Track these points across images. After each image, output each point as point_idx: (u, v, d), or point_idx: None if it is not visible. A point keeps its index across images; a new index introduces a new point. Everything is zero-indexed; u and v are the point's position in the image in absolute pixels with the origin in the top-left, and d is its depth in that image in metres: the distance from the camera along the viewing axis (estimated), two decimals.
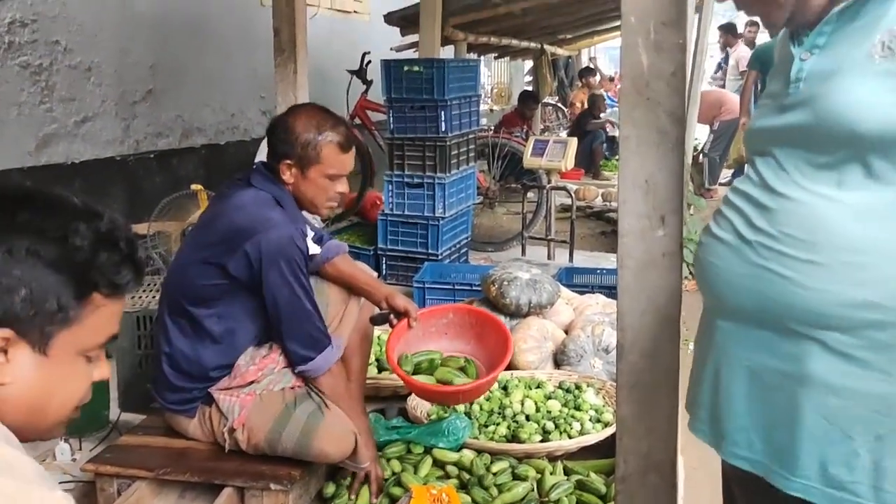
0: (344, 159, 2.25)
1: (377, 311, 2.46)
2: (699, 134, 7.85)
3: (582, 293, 3.63)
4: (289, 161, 2.21)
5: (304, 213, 2.40)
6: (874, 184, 1.06)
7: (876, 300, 1.04)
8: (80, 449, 2.68)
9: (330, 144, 2.21)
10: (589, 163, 8.26)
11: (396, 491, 2.25)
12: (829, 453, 1.10)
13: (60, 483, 2.40)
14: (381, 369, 3.03)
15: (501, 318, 3.20)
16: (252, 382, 2.19)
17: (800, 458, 1.12)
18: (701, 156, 7.83)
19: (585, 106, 9.18)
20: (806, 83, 1.13)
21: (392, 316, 2.41)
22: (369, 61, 5.89)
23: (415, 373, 2.43)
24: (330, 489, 2.28)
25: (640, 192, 1.51)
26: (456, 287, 3.94)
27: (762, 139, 1.19)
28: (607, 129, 8.54)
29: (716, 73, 10.00)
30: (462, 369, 2.51)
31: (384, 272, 4.72)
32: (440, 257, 4.57)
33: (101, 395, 2.82)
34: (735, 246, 1.17)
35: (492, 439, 2.54)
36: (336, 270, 2.51)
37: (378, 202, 5.32)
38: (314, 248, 2.41)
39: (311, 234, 2.44)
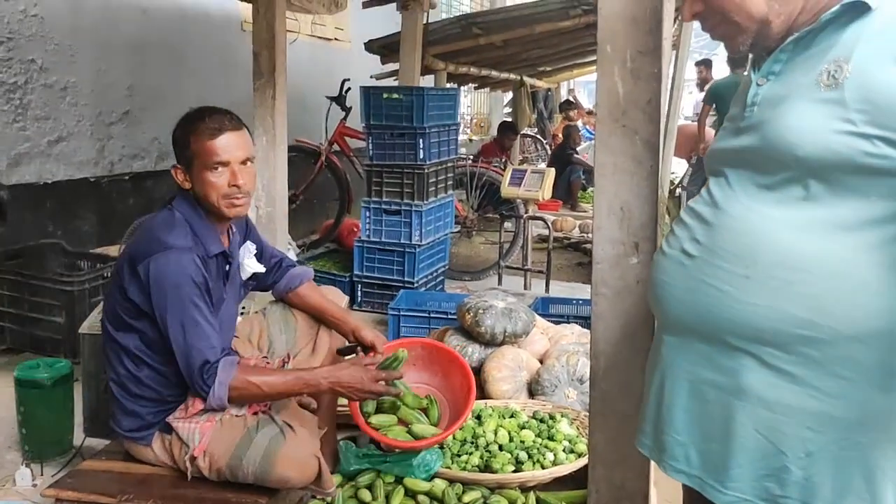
0: (217, 145, 2.08)
1: (345, 342, 2.42)
2: (676, 168, 7.93)
3: (557, 323, 3.63)
4: (177, 166, 2.15)
5: (287, 238, 2.35)
6: (810, 204, 1.09)
7: (808, 317, 1.07)
8: (42, 474, 2.61)
9: (198, 135, 2.08)
10: (567, 195, 8.32)
11: None
12: (761, 467, 1.12)
13: None
14: None
15: (475, 349, 3.18)
16: (211, 409, 2.13)
17: (732, 470, 1.13)
18: (679, 189, 7.90)
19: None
20: (759, 107, 1.17)
21: (359, 349, 2.38)
22: (349, 88, 5.91)
23: (377, 411, 2.44)
24: None
25: (616, 218, 1.52)
26: (432, 315, 3.91)
27: (718, 160, 1.23)
28: (587, 164, 8.62)
29: (695, 111, 10.16)
30: (425, 410, 2.49)
31: (360, 299, 4.69)
32: (416, 285, 4.55)
33: (65, 420, 2.76)
34: (680, 261, 1.20)
35: (464, 469, 2.50)
36: (301, 301, 2.48)
37: (355, 229, 5.30)
38: (255, 267, 2.36)
39: (252, 249, 2.38)
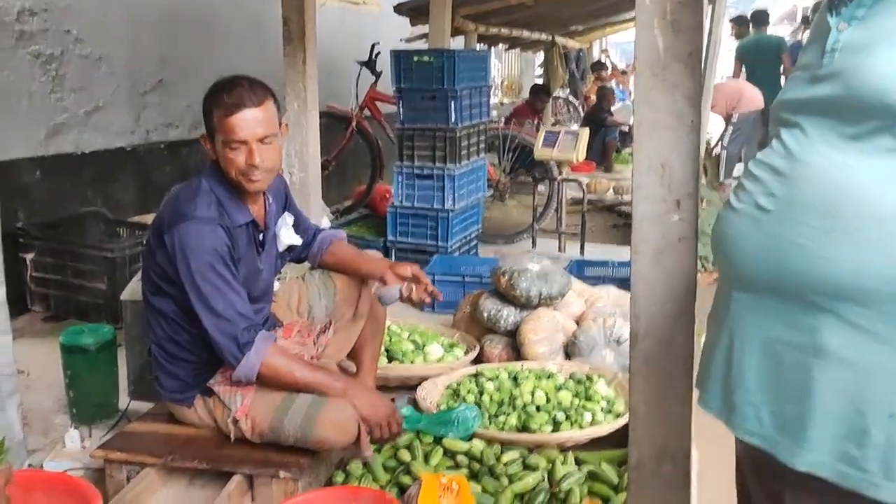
0: (234, 123, 2.03)
1: (384, 290, 2.41)
2: (712, 127, 7.79)
3: (593, 285, 3.61)
4: (204, 136, 2.14)
5: (321, 205, 2.35)
6: None
7: (895, 273, 1.01)
8: (90, 436, 2.68)
9: (217, 109, 2.06)
10: (601, 157, 8.22)
11: (406, 480, 2.23)
12: (840, 428, 1.07)
13: (70, 470, 2.40)
14: (390, 359, 3.02)
15: (511, 312, 3.17)
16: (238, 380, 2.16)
17: (809, 432, 1.09)
18: (719, 147, 7.75)
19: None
20: (841, 54, 1.10)
21: (402, 289, 2.38)
22: (379, 52, 5.87)
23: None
24: (340, 477, 2.27)
25: (656, 176, 1.49)
26: (466, 279, 3.92)
27: (791, 110, 1.17)
28: (622, 124, 8.50)
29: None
30: None
31: None
32: (450, 250, 4.55)
33: (110, 384, 2.83)
34: (753, 216, 1.14)
35: (502, 429, 2.52)
36: (335, 259, 2.49)
37: (388, 195, 5.30)
38: (291, 238, 2.37)
39: (289, 221, 2.38)
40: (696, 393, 1.36)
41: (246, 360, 2.06)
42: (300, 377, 2.12)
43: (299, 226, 2.46)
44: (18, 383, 2.49)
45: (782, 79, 8.04)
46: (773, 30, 9.13)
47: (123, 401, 2.82)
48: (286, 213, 2.40)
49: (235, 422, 2.15)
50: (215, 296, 2.04)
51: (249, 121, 2.04)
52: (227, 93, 2.06)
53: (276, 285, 2.55)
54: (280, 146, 2.17)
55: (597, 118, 8.45)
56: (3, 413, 2.39)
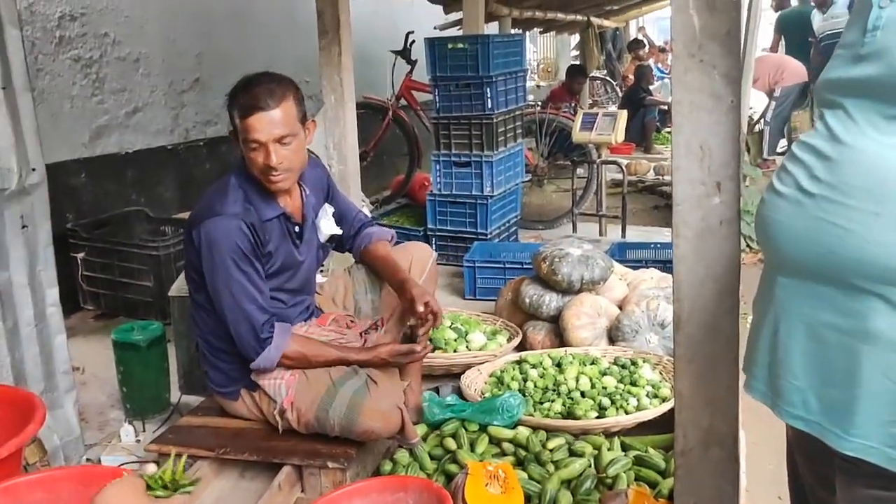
0: (249, 124, 2.04)
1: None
2: (754, 103, 7.62)
3: (635, 268, 3.57)
4: (232, 130, 2.16)
5: (361, 196, 2.36)
6: None
7: None
8: (144, 430, 2.75)
9: (235, 110, 2.08)
10: (641, 137, 8.11)
11: (453, 468, 2.24)
12: (888, 413, 1.06)
13: (125, 464, 2.46)
14: (434, 348, 3.03)
15: (553, 298, 3.15)
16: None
17: (857, 417, 1.08)
18: (761, 123, 7.58)
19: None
20: (884, 31, 1.07)
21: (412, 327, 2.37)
22: (413, 41, 5.86)
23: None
24: (387, 466, 2.29)
25: (695, 158, 1.46)
26: (507, 265, 3.91)
27: (834, 91, 1.14)
28: (662, 103, 8.37)
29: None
30: None
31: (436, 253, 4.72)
32: (489, 236, 4.54)
33: (161, 379, 2.89)
34: (797, 200, 1.13)
35: (547, 416, 2.52)
36: (370, 256, 2.50)
37: (426, 183, 5.31)
38: (331, 229, 2.38)
39: (329, 211, 2.39)
40: (742, 378, 1.35)
41: (267, 352, 2.13)
42: (320, 362, 2.20)
43: (343, 216, 2.47)
44: (74, 380, 2.57)
45: None
46: None
47: (175, 395, 2.89)
48: (326, 204, 2.41)
49: (282, 412, 2.18)
50: (236, 291, 2.10)
51: (265, 122, 2.04)
52: (245, 93, 2.06)
53: (319, 278, 2.57)
54: (302, 145, 2.15)
55: (635, 98, 8.34)
56: (62, 410, 2.47)
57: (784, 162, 1.19)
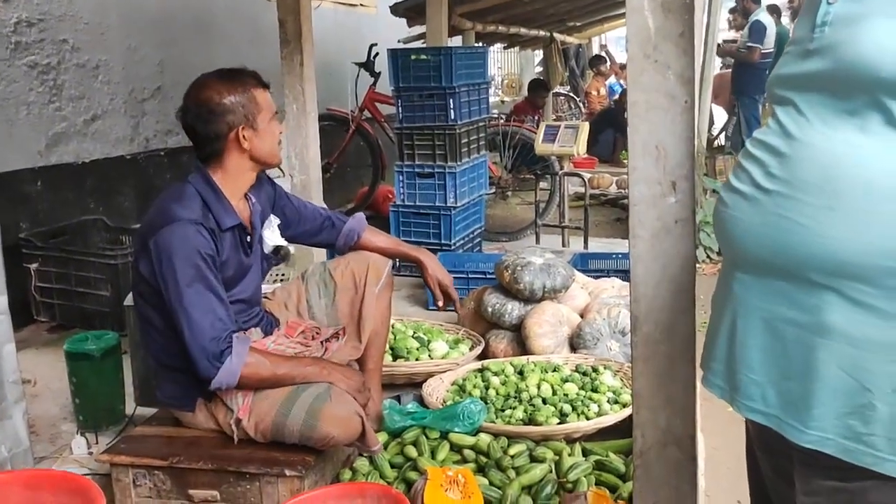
0: (267, 96, 2.25)
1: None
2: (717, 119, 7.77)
3: (597, 278, 3.59)
4: (236, 129, 2.14)
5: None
6: (894, 131, 1.02)
7: None
8: (97, 443, 2.68)
9: (257, 90, 2.20)
10: (609, 154, 8.22)
11: (413, 475, 2.22)
12: (845, 405, 1.07)
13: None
14: (395, 357, 3.01)
15: (515, 306, 3.16)
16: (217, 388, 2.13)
17: (815, 409, 1.09)
18: (722, 139, 7.73)
19: (601, 94, 9.11)
20: (832, 27, 1.09)
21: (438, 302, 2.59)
22: (377, 53, 5.87)
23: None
24: (347, 475, 2.26)
25: (651, 158, 1.48)
26: (470, 275, 3.91)
27: (784, 87, 1.16)
28: None
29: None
30: None
31: (398, 263, 4.69)
32: (454, 247, 4.54)
33: (116, 390, 2.83)
34: (754, 197, 1.14)
35: (509, 423, 2.51)
36: (372, 247, 2.54)
37: (390, 196, 5.30)
38: (276, 240, 2.36)
39: (275, 221, 2.38)
40: (699, 374, 1.36)
41: (228, 364, 2.02)
42: (279, 373, 2.12)
43: (305, 217, 2.46)
44: (24, 391, 2.49)
45: None
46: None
47: (130, 406, 2.82)
48: (272, 216, 2.39)
49: (238, 422, 2.14)
50: (197, 300, 2.01)
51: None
52: (252, 73, 2.24)
53: (265, 287, 2.54)
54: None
55: (609, 115, 8.45)
56: (10, 420, 2.39)
57: (740, 159, 1.21)
